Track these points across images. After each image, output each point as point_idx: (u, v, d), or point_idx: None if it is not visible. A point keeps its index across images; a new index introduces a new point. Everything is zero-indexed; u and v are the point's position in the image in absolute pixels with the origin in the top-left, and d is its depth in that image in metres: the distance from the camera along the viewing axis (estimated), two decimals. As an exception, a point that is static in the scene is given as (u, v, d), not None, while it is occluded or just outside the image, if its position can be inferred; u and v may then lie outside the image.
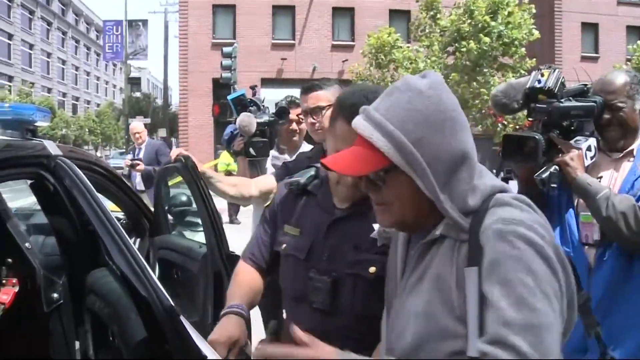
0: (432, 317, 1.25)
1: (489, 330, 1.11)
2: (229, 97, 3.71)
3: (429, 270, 1.31)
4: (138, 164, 7.83)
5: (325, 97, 2.93)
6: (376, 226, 1.61)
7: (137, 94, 61.05)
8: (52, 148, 2.31)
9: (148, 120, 43.87)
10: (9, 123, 2.23)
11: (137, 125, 8.67)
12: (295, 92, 3.14)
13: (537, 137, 2.40)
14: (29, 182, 2.26)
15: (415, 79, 1.30)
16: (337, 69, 24.39)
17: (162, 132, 35.40)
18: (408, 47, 20.14)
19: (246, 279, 1.97)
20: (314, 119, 2.94)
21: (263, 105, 3.78)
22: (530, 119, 2.58)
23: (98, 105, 62.73)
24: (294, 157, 3.45)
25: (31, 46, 50.32)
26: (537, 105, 2.45)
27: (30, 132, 2.30)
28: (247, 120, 3.42)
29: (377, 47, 19.96)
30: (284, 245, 1.92)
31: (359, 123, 1.30)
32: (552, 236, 1.24)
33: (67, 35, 58.88)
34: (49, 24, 54.74)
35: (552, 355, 1.09)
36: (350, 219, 1.81)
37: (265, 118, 3.55)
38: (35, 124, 2.34)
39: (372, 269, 1.71)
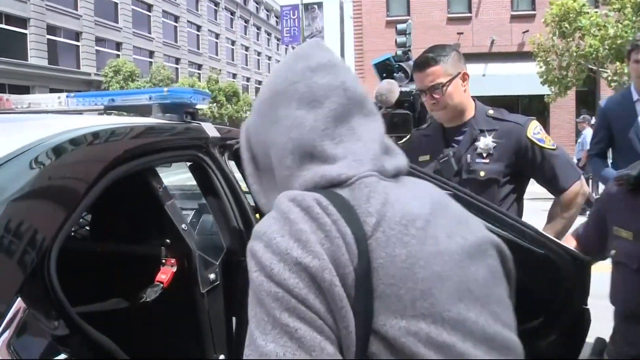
0: None
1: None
2: (372, 62, 3.37)
3: None
4: None
5: (444, 71, 2.64)
6: None
7: (316, 76, 62.64)
8: (210, 130, 2.33)
9: (326, 101, 45.00)
10: (168, 107, 2.27)
11: None
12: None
13: None
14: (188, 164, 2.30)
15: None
16: (517, 41, 23.21)
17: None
18: (596, 12, 18.61)
19: None
20: (434, 97, 2.67)
21: None
22: None
23: (279, 88, 65.17)
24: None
25: (217, 35, 53.39)
26: None
27: (189, 115, 2.33)
28: (386, 88, 3.01)
29: (560, 15, 18.62)
30: (614, 251, 1.71)
31: None
32: (304, 266, 0.89)
33: (249, 23, 61.80)
34: (232, 13, 57.71)
35: None
36: None
37: (411, 87, 3.12)
38: (195, 106, 2.37)
39: None
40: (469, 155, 2.68)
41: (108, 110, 2.43)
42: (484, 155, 2.66)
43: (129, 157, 1.76)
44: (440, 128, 2.83)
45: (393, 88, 3.00)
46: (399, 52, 13.05)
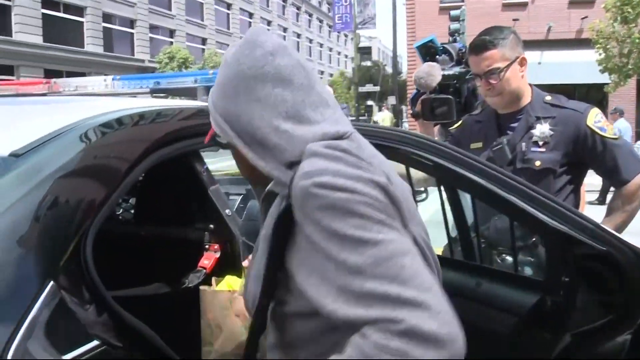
0: (260, 280, 1.19)
1: (334, 287, 0.98)
2: (415, 45, 3.17)
3: (262, 230, 1.26)
4: None
5: (502, 55, 2.52)
6: None
7: (367, 63, 62.38)
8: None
9: (377, 89, 44.80)
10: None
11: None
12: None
13: None
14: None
15: (230, 48, 1.28)
16: (575, 27, 22.54)
17: (392, 100, 35.71)
18: (661, -4, 17.91)
19: None
20: (490, 82, 2.54)
21: (462, 54, 3.13)
22: None
23: (331, 75, 65.17)
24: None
25: (269, 22, 53.54)
26: None
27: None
28: (425, 71, 2.82)
29: (622, 0, 18.03)
30: None
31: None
32: (371, 181, 1.06)
33: (301, 10, 61.81)
34: (285, 0, 57.78)
35: (421, 277, 0.97)
36: None
37: (456, 70, 2.96)
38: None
39: None
40: (523, 144, 2.56)
41: (154, 93, 2.41)
42: (540, 143, 2.54)
43: (173, 139, 1.72)
44: (494, 114, 2.71)
45: (433, 71, 2.83)
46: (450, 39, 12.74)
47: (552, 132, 2.51)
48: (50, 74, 24.97)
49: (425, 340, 0.89)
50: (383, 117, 28.08)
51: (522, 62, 2.60)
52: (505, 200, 1.79)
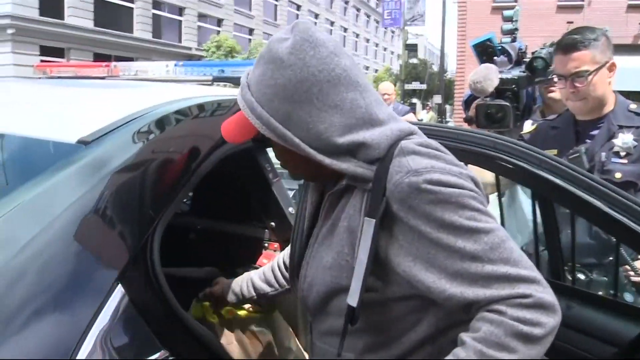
0: (340, 270, 1.23)
1: (449, 273, 1.10)
2: (471, 43, 2.88)
3: (339, 223, 1.26)
4: None
5: (592, 57, 2.34)
6: None
7: (414, 60, 61.86)
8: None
9: (424, 87, 44.39)
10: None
11: (388, 86, 8.35)
12: None
13: None
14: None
15: (277, 44, 1.21)
16: (634, 32, 21.90)
17: (437, 99, 35.34)
18: None
19: None
20: (576, 85, 2.36)
21: (522, 55, 2.91)
22: None
23: (376, 70, 64.79)
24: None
25: (316, 15, 53.36)
26: None
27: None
28: (482, 74, 2.58)
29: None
30: None
31: (238, 99, 1.27)
32: (469, 177, 1.19)
33: (349, 4, 61.48)
34: (333, -7, 57.58)
35: (524, 257, 1.12)
36: None
37: (514, 73, 2.71)
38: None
39: None
40: (603, 154, 2.39)
41: (217, 81, 2.31)
42: (622, 154, 2.37)
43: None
44: (572, 120, 2.55)
45: (490, 74, 2.58)
46: (505, 39, 12.31)
47: (636, 143, 2.34)
48: (99, 57, 25.29)
49: (549, 309, 1.07)
50: (431, 117, 27.76)
51: (612, 68, 2.43)
52: (617, 221, 1.59)
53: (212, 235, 2.29)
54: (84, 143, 1.22)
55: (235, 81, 2.29)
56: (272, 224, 2.05)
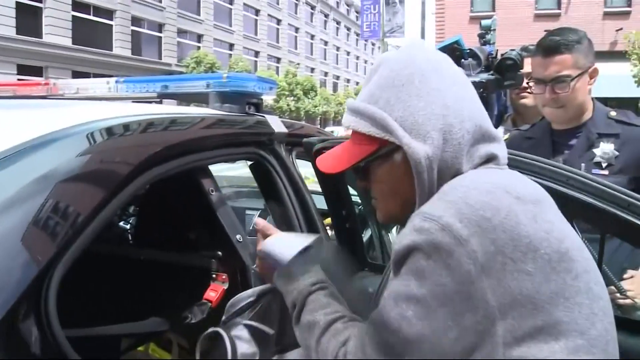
0: None
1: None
2: (437, 46, 2.71)
3: None
4: None
5: (574, 62, 2.20)
6: None
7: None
8: (276, 125, 2.01)
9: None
10: (228, 96, 1.96)
11: None
12: None
13: None
14: (248, 162, 1.99)
15: (390, 52, 1.21)
16: (610, 39, 22.03)
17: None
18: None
19: None
20: (556, 92, 2.23)
21: (492, 60, 2.75)
22: None
23: (357, 83, 64.92)
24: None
25: (297, 29, 53.48)
26: None
27: (253, 107, 2.01)
28: None
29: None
30: None
31: (344, 119, 1.21)
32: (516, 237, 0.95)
33: (329, 18, 61.63)
34: (313, 7, 57.60)
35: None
36: None
37: (483, 77, 2.59)
38: (259, 96, 2.05)
39: None
40: (583, 165, 2.24)
41: (161, 98, 2.14)
42: (603, 165, 2.22)
43: (169, 154, 1.45)
44: (548, 129, 2.40)
45: None
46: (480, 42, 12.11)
47: (617, 153, 2.20)
48: (78, 75, 25.07)
49: None
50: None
51: (593, 74, 2.30)
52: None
53: (157, 266, 2.10)
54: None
55: (179, 97, 2.13)
56: (219, 253, 1.87)
